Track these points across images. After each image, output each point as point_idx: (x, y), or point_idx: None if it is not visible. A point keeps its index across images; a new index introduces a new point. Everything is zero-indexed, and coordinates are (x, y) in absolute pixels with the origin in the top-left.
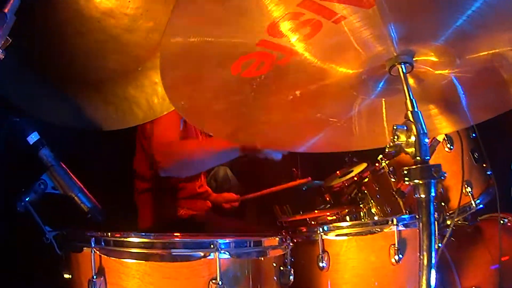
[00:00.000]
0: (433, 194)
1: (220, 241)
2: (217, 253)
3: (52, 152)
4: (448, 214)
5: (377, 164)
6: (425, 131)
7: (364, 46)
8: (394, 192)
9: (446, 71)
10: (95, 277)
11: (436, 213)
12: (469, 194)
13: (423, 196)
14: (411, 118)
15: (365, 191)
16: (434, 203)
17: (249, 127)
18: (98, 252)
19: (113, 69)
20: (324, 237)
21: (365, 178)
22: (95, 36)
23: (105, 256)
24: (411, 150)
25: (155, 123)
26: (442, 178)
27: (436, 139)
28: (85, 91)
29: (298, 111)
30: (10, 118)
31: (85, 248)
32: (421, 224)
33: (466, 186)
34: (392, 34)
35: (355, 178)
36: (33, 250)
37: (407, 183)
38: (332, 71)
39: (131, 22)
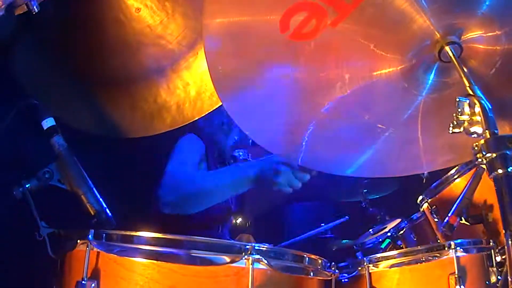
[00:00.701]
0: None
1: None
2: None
3: (65, 142)
4: (498, 250)
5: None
6: (489, 106)
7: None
8: (442, 231)
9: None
10: (85, 280)
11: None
12: None
13: (500, 171)
14: (471, 92)
15: (402, 245)
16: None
17: (290, 128)
18: (95, 248)
19: (146, 66)
20: (372, 269)
21: (401, 230)
22: (132, 25)
23: (104, 254)
24: (475, 128)
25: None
26: None
27: (481, 167)
28: (114, 94)
29: (345, 111)
30: (28, 99)
31: (81, 243)
32: (503, 205)
33: None
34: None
35: (389, 234)
36: (23, 246)
37: (479, 160)
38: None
39: (167, 14)
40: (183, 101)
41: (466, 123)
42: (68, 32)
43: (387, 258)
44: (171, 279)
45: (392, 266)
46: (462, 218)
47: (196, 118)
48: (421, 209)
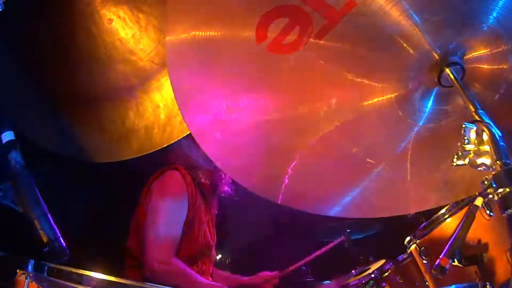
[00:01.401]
0: None
1: None
2: None
3: (23, 159)
4: None
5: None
6: (499, 133)
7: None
8: (432, 274)
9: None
10: None
11: None
12: None
13: None
14: (478, 118)
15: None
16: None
17: (269, 160)
18: (34, 282)
19: (115, 84)
20: None
21: (386, 272)
22: (103, 37)
23: None
24: (483, 160)
25: (150, 224)
26: None
27: (475, 205)
28: (81, 113)
29: (330, 143)
30: None
31: (20, 273)
32: None
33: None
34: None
35: (373, 275)
36: None
37: (490, 196)
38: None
39: (140, 28)
40: (152, 125)
41: (472, 154)
42: (36, 43)
43: None
44: None
45: None
46: (455, 260)
47: (165, 145)
48: (409, 251)
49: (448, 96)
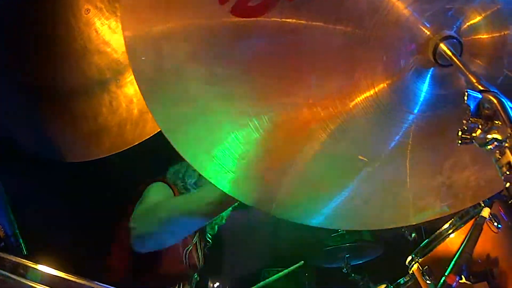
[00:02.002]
0: None
1: None
2: None
3: None
4: None
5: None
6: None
7: None
8: None
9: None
10: None
11: None
12: None
13: None
14: (482, 87)
15: None
16: None
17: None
18: None
19: (89, 77)
20: None
21: None
22: (80, 27)
23: None
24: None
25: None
26: None
27: (482, 216)
28: (53, 108)
29: (313, 133)
30: None
31: None
32: None
33: None
34: None
35: None
36: None
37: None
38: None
39: (116, 18)
40: (125, 122)
41: (479, 130)
42: (14, 35)
43: None
44: None
45: None
46: (462, 276)
47: (137, 143)
48: (410, 271)
49: (446, 79)
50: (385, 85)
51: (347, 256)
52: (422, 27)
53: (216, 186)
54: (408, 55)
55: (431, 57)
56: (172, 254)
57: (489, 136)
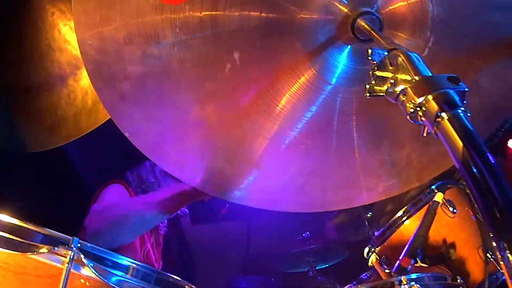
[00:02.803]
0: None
1: None
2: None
3: None
4: None
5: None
6: (419, 57)
7: None
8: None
9: None
10: None
11: None
12: (492, 260)
13: (444, 114)
14: (390, 46)
15: None
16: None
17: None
18: None
19: (51, 73)
20: None
21: None
22: (46, 29)
23: None
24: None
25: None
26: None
27: (435, 201)
28: (21, 104)
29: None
30: None
31: None
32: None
33: (483, 250)
34: None
35: None
36: None
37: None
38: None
39: None
40: (80, 112)
41: (388, 83)
42: None
43: None
44: None
45: None
46: (418, 259)
47: (90, 130)
48: (370, 263)
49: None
50: (306, 60)
51: (312, 260)
52: (339, 5)
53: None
54: (327, 33)
55: (351, 33)
56: (131, 254)
57: (397, 89)
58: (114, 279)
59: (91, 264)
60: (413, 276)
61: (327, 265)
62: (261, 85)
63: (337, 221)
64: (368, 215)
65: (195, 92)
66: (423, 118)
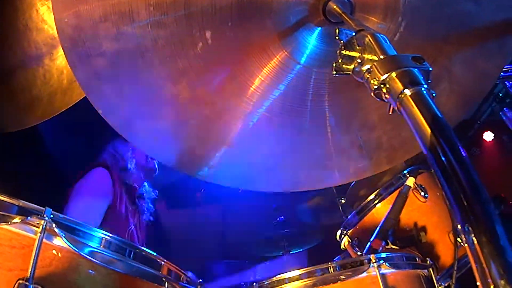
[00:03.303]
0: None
1: None
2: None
3: None
4: (440, 275)
5: None
6: (386, 38)
7: None
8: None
9: None
10: None
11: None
12: (462, 244)
13: (407, 91)
14: (358, 28)
15: None
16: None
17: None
18: None
19: (27, 53)
20: None
21: None
22: (24, 8)
23: None
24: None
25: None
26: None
27: (407, 185)
28: None
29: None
30: None
31: None
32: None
33: (455, 235)
34: None
35: None
36: None
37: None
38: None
39: None
40: (55, 91)
41: (355, 63)
42: None
43: (287, 280)
44: None
45: None
46: (389, 241)
47: (65, 109)
48: (342, 246)
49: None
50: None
51: (286, 244)
52: None
53: None
54: (299, 14)
55: (322, 16)
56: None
57: (364, 68)
58: (86, 250)
59: (63, 234)
60: (383, 255)
61: (301, 250)
62: (234, 65)
63: (311, 205)
64: (342, 200)
65: (168, 70)
66: (387, 96)
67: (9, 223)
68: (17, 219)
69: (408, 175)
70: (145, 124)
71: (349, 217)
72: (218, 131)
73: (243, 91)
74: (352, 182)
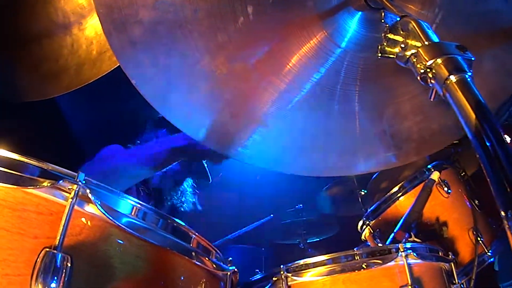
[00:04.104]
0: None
1: None
2: None
3: None
4: (460, 270)
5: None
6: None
7: None
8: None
9: None
10: None
11: None
12: (481, 242)
13: (453, 77)
14: (402, 13)
15: None
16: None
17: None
18: None
19: (54, 21)
20: (292, 281)
21: None
22: None
23: None
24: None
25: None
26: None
27: (431, 179)
28: (19, 52)
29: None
30: None
31: None
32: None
33: (474, 232)
34: None
35: None
36: None
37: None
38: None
39: None
40: (83, 61)
41: (399, 48)
42: None
43: (313, 265)
44: None
45: (320, 275)
46: (412, 234)
47: (93, 80)
48: (363, 237)
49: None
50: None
51: (304, 232)
52: None
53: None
54: None
55: (362, 0)
56: None
57: (408, 53)
58: (121, 219)
59: (98, 201)
60: (408, 245)
61: (318, 239)
62: (273, 42)
63: (331, 195)
64: (362, 192)
65: (206, 43)
66: (432, 81)
67: (37, 187)
68: (46, 183)
69: (433, 170)
70: (179, 97)
71: (371, 208)
72: (252, 108)
73: (279, 68)
74: (374, 174)
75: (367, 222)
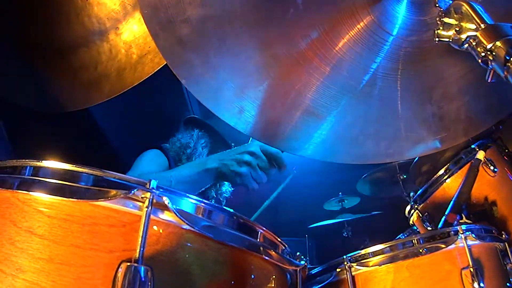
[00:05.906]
0: None
1: None
2: None
3: None
4: None
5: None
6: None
7: None
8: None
9: None
10: None
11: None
12: None
13: None
14: None
15: None
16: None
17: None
18: None
19: (88, 29)
20: (356, 270)
21: None
22: None
23: None
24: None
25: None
26: None
27: (477, 159)
28: (56, 62)
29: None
30: None
31: None
32: None
33: None
34: None
35: None
36: None
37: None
38: None
39: None
40: (123, 66)
41: (453, 31)
42: None
43: (374, 253)
44: None
45: (382, 263)
46: (463, 215)
47: (135, 84)
48: (411, 221)
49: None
50: (367, 10)
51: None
52: None
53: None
54: None
55: None
56: None
57: (463, 36)
58: (198, 223)
59: (175, 208)
60: (464, 227)
61: (355, 217)
62: (321, 28)
63: (371, 179)
64: (403, 177)
65: (257, 38)
66: (493, 63)
67: (108, 198)
68: (117, 194)
69: (477, 149)
70: (230, 94)
71: (418, 192)
72: (303, 99)
73: (327, 53)
74: (415, 158)
75: (415, 206)
